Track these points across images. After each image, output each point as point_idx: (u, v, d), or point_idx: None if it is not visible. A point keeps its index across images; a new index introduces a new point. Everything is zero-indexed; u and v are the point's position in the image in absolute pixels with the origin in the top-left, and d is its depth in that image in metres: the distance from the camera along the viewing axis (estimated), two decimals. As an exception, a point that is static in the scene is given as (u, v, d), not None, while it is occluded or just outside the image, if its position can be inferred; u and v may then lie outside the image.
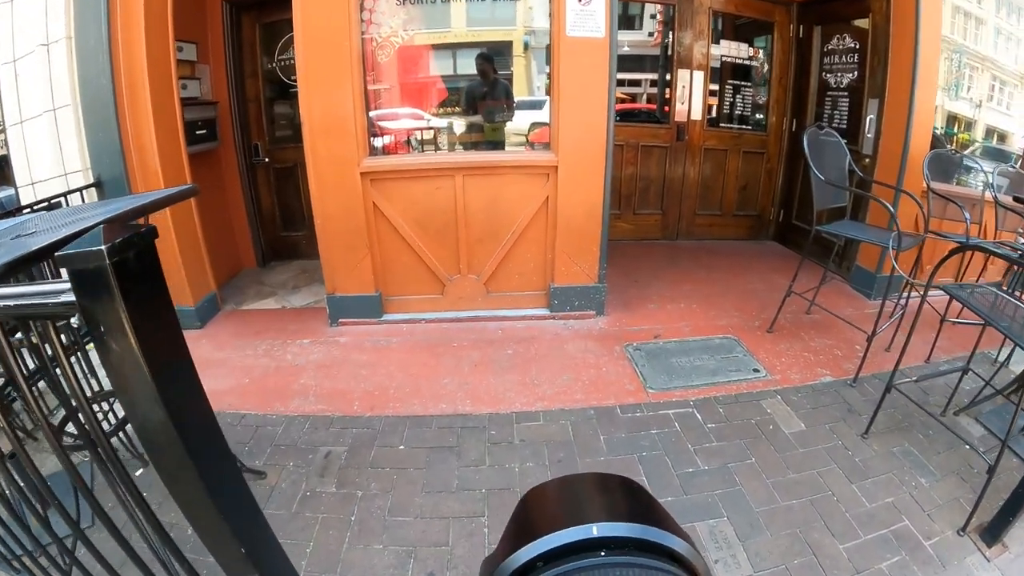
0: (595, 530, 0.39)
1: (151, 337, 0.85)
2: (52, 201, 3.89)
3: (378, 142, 3.93)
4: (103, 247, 0.77)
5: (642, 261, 5.22)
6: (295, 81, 4.35)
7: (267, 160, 5.26)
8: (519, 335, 3.87)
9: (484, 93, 4.11)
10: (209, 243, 4.42)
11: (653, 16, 5.55)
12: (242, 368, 3.62)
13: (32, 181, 4.62)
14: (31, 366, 2.49)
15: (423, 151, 4.10)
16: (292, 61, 4.82)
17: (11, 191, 5.30)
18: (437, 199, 3.84)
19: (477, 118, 4.12)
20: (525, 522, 0.43)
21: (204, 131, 4.82)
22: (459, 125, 4.14)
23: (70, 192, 4.07)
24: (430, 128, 4.11)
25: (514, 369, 3.46)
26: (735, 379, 3.29)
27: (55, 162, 4.41)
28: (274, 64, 5.15)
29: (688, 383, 3.26)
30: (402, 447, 2.83)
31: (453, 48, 4.04)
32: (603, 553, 0.38)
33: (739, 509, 2.37)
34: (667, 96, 5.58)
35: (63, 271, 0.86)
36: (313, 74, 3.62)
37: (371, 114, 3.81)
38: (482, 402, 3.14)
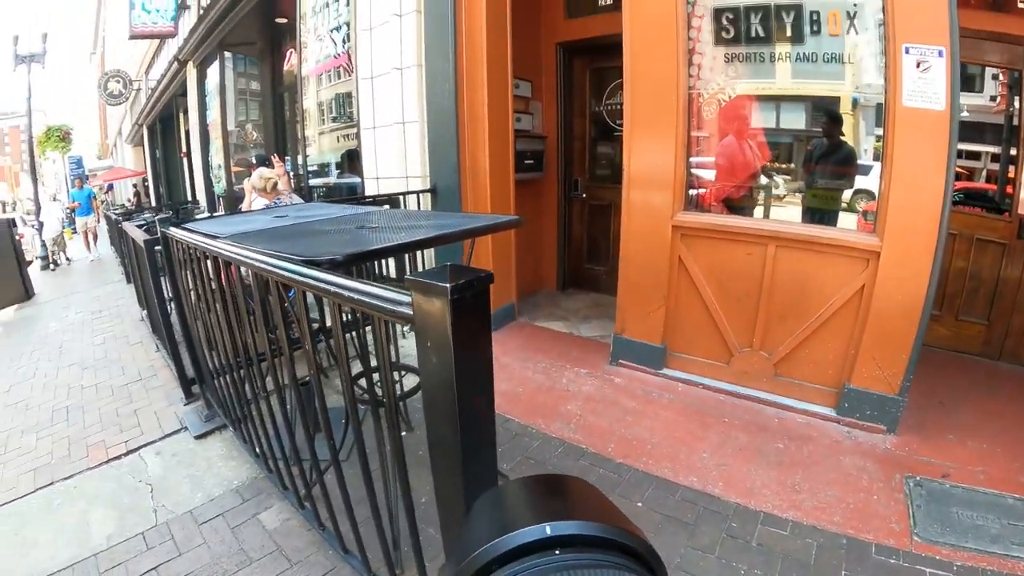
0: (548, 530, 0.39)
1: (467, 363, 0.99)
2: (392, 197, 4.52)
3: (693, 194, 3.91)
4: (447, 285, 0.92)
5: (952, 378, 4.38)
6: (619, 125, 4.53)
7: (584, 195, 5.60)
8: (795, 430, 3.55)
9: (820, 155, 3.73)
10: (519, 259, 4.89)
11: (995, 77, 4.49)
12: (520, 378, 3.87)
13: (377, 176, 5.49)
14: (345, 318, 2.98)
15: (738, 210, 3.94)
16: (618, 106, 5.05)
17: (358, 179, 6.27)
18: (745, 264, 3.69)
19: (799, 183, 3.83)
20: (480, 526, 0.42)
21: (532, 162, 5.34)
22: (780, 187, 3.91)
23: (408, 193, 4.75)
24: (748, 187, 3.95)
25: (779, 466, 3.20)
26: (1015, 555, 2.61)
27: (399, 165, 5.19)
28: (601, 107, 5.48)
29: (960, 543, 2.68)
30: (639, 504, 2.82)
31: (777, 102, 3.80)
32: (557, 552, 0.37)
33: None
34: (1010, 176, 4.51)
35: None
36: (638, 123, 3.77)
37: (690, 167, 3.82)
38: (733, 489, 2.97)
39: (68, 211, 16.86)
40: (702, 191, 3.93)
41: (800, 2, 3.44)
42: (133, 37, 14.60)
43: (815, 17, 3.42)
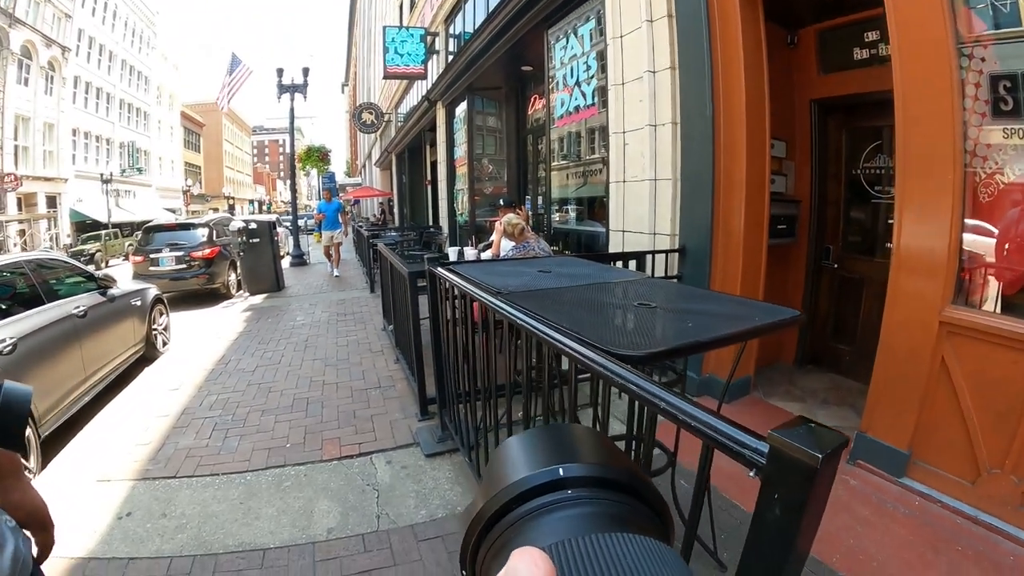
0: (561, 471, 0.41)
1: (808, 522, 0.97)
2: (639, 255, 4.55)
3: (964, 285, 3.40)
4: (819, 455, 0.92)
5: None
6: (878, 192, 4.16)
7: (835, 266, 5.17)
8: (1026, 568, 2.98)
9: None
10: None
11: None
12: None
13: (623, 229, 5.52)
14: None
15: (1010, 308, 3.33)
16: (877, 171, 4.64)
17: (600, 228, 6.38)
18: (1012, 374, 3.14)
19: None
20: (499, 472, 0.43)
21: (784, 227, 5.04)
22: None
23: (656, 252, 4.77)
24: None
25: (1001, 609, 2.67)
26: None
27: (646, 221, 5.21)
28: (858, 171, 5.02)
29: None
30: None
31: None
32: (569, 492, 0.40)
33: None
34: None
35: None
36: (909, 203, 3.42)
37: (963, 255, 3.34)
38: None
39: (315, 223, 18.16)
40: (973, 282, 3.42)
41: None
42: (387, 77, 16.51)
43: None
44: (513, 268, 3.32)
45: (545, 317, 1.86)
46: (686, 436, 1.27)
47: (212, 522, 3.46)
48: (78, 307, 5.45)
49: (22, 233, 27.57)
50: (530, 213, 8.97)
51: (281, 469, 4.09)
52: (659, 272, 4.92)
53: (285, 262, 16.06)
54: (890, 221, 3.82)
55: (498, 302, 2.25)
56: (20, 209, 28.70)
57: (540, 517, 0.39)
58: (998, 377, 3.19)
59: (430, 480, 3.86)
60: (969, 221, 3.32)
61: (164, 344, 7.82)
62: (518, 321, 1.95)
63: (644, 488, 0.42)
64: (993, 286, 3.38)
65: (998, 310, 3.32)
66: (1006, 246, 3.33)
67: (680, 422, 1.21)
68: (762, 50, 4.54)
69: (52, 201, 31.63)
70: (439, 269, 3.43)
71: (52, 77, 31.51)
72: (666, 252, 4.81)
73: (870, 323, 4.69)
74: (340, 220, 14.94)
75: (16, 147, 28.66)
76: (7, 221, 25.42)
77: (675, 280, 4.87)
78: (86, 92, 35.54)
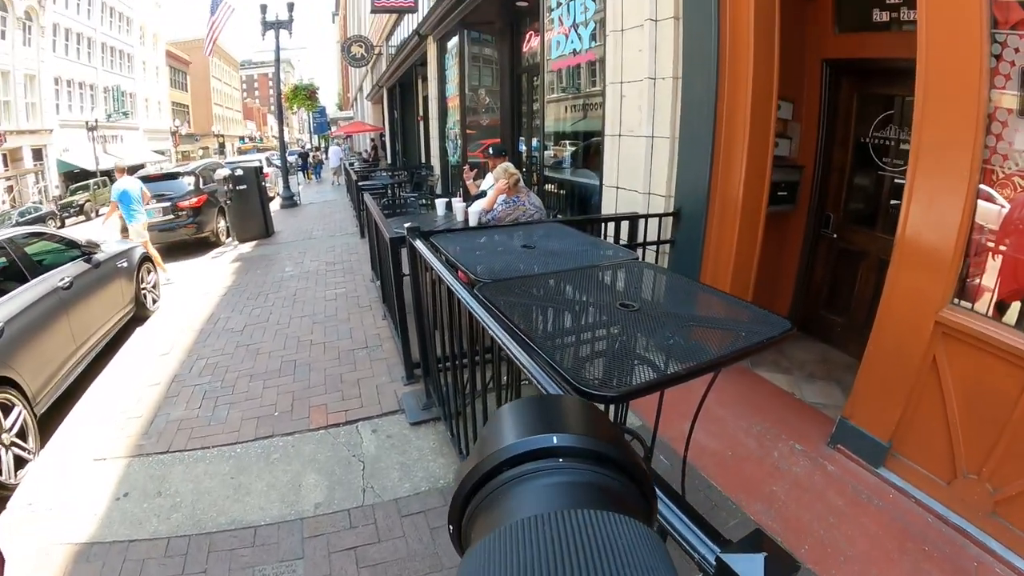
0: (555, 440, 0.41)
1: None
2: (632, 218, 4.50)
3: (967, 286, 3.23)
4: None
5: None
6: (886, 164, 4.10)
7: (834, 236, 5.01)
8: (988, 581, 2.95)
9: None
10: (755, 295, 4.49)
11: None
12: (732, 439, 3.71)
13: (616, 186, 5.51)
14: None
15: (1001, 315, 3.15)
16: (887, 142, 4.43)
17: (595, 180, 6.25)
18: (1002, 386, 3.02)
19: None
20: (494, 434, 0.44)
21: (785, 193, 4.88)
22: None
23: (650, 216, 4.70)
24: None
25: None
26: None
27: (641, 179, 5.14)
28: (868, 139, 4.74)
29: None
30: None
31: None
32: (560, 460, 0.40)
33: None
34: None
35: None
36: (920, 195, 3.21)
37: (969, 256, 3.14)
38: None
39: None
40: (976, 286, 3.22)
41: None
42: (375, 11, 16.02)
43: None
44: (494, 241, 3.22)
45: (517, 327, 1.78)
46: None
47: (205, 499, 3.52)
48: (63, 279, 5.41)
49: (10, 190, 27.87)
50: (523, 154, 8.68)
51: (269, 440, 4.12)
52: (652, 235, 4.83)
53: (275, 204, 15.85)
54: (894, 201, 3.75)
55: (471, 300, 2.18)
56: (6, 165, 28.61)
57: (528, 482, 0.39)
58: (987, 386, 3.08)
59: (415, 451, 3.88)
60: (981, 222, 3.12)
61: (154, 302, 7.78)
62: (490, 331, 1.87)
63: (634, 468, 0.42)
64: (995, 293, 3.19)
65: (1000, 318, 3.13)
66: (1013, 252, 3.12)
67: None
68: (775, 1, 4.22)
69: (38, 154, 31.38)
70: (418, 243, 3.36)
71: (29, 27, 30.66)
72: (660, 216, 4.73)
73: (864, 296, 4.65)
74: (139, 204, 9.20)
75: (-3, 103, 28.32)
76: (-7, 180, 25.40)
77: (664, 268, 4.67)
78: (66, 39, 34.69)
